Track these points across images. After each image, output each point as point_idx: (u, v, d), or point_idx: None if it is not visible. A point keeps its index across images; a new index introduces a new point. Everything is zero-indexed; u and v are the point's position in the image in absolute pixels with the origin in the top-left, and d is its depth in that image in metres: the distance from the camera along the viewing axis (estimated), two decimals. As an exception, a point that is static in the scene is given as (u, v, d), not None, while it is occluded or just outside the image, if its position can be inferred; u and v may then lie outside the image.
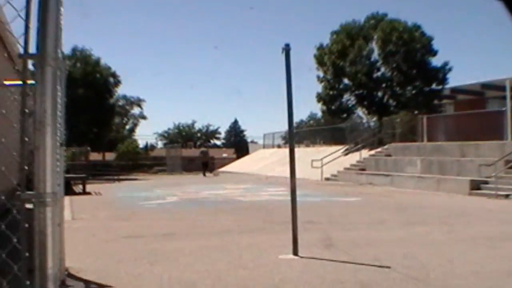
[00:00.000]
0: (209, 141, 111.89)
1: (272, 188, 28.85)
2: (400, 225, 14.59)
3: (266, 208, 19.04)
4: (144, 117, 73.52)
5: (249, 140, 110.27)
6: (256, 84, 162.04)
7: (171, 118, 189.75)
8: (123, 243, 11.71)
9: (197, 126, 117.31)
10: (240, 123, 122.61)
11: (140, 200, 22.44)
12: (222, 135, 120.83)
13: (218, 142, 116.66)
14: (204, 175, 48.41)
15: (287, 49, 10.22)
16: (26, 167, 3.04)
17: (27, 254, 3.01)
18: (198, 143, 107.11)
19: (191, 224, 14.71)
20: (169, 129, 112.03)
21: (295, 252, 9.98)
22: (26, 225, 3.02)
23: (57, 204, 3.00)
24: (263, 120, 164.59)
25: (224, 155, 75.61)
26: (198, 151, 66.59)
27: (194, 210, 18.60)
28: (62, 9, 3.06)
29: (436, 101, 43.33)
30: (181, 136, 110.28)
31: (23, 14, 3.12)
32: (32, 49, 3.04)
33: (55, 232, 3.00)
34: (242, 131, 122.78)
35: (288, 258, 9.78)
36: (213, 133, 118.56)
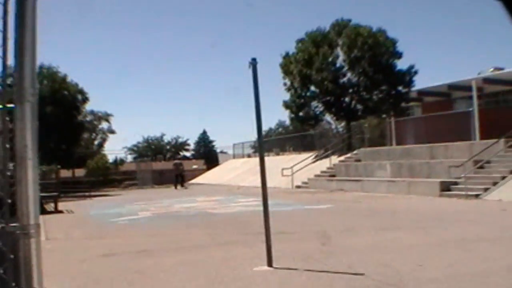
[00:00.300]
0: (179, 153, 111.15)
1: (244, 198, 28.93)
2: (373, 231, 14.77)
3: (238, 219, 19.12)
4: (112, 132, 72.91)
5: (218, 150, 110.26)
6: (222, 94, 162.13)
7: (140, 132, 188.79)
8: (99, 262, 11.75)
9: (166, 138, 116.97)
10: (208, 133, 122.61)
11: (113, 216, 22.39)
12: (192, 146, 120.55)
13: (187, 154, 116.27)
14: (176, 187, 48.26)
15: (253, 64, 10.38)
16: (9, 200, 3.13)
17: (13, 284, 3.11)
18: (168, 155, 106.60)
19: (166, 240, 14.75)
20: (138, 142, 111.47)
21: (270, 264, 10.10)
22: (12, 256, 3.11)
23: (39, 234, 3.12)
24: (232, 130, 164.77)
25: (194, 166, 75.42)
26: (168, 163, 66.51)
27: (168, 225, 18.60)
28: (37, 43, 3.15)
29: (403, 104, 43.46)
30: (151, 149, 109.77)
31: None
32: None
33: (40, 261, 3.11)
34: (211, 142, 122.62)
35: (263, 270, 9.90)
36: (183, 145, 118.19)
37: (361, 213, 19.96)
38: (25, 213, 3.08)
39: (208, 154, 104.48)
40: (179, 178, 49.96)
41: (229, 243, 13.60)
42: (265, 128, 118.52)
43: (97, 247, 13.76)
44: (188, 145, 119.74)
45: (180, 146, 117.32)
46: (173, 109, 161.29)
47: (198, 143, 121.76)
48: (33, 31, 3.12)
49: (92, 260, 12.07)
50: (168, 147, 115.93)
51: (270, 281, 9.15)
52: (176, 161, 55.60)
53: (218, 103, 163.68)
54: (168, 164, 70.45)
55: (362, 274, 9.18)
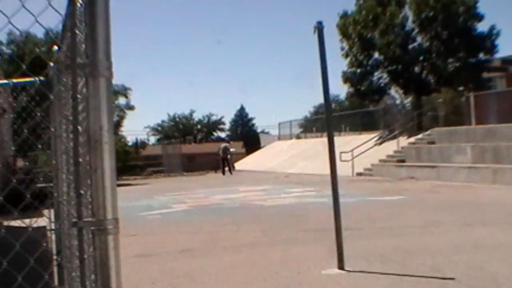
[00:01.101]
0: (212, 134, 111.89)
1: (296, 188, 29.03)
2: (457, 227, 14.74)
3: (294, 213, 19.20)
4: (131, 108, 72.73)
5: (259, 130, 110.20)
6: (263, 64, 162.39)
7: (165, 108, 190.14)
8: (134, 263, 11.89)
9: (197, 116, 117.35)
10: (247, 110, 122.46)
11: (142, 210, 22.61)
12: (227, 125, 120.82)
13: (222, 135, 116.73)
14: (223, 173, 48.87)
15: (319, 28, 10.42)
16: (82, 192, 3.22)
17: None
18: (199, 136, 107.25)
19: (210, 237, 14.88)
20: (163, 121, 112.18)
21: (341, 266, 10.14)
22: (85, 256, 3.20)
23: (118, 231, 3.20)
24: (275, 107, 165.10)
25: (232, 149, 75.85)
26: (200, 146, 66.78)
27: (210, 220, 18.77)
28: (109, 12, 3.23)
29: (484, 75, 43.23)
30: (178, 130, 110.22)
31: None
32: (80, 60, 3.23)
33: (118, 262, 3.19)
34: (250, 120, 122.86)
35: (333, 273, 9.95)
36: (216, 124, 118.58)
37: (439, 206, 19.90)
38: (102, 206, 3.14)
39: (247, 135, 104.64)
40: (225, 162, 50.35)
41: (287, 241, 13.67)
42: (315, 103, 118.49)
43: (130, 246, 13.84)
44: (223, 124, 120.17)
45: (213, 125, 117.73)
46: (204, 82, 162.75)
47: (234, 122, 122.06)
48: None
49: (126, 261, 12.20)
50: (199, 126, 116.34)
51: (344, 286, 9.20)
52: (225, 144, 55.19)
53: (258, 74, 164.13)
54: (200, 147, 70.83)
55: (452, 279, 9.19)
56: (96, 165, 3.10)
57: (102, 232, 3.10)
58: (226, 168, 50.25)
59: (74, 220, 3.17)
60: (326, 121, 11.42)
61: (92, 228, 3.11)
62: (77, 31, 3.27)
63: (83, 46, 3.23)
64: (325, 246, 10.84)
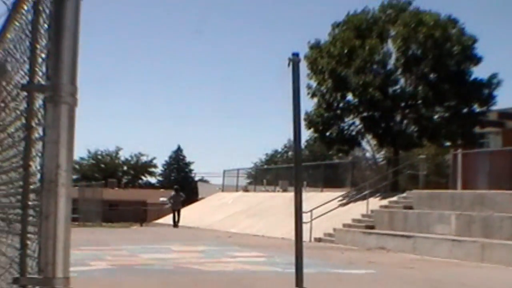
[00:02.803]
0: (141, 178, 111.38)
1: (242, 252, 28.97)
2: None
3: (240, 283, 19.16)
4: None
5: (197, 178, 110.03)
6: (205, 104, 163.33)
7: (84, 144, 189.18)
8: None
9: (123, 155, 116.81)
10: (185, 152, 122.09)
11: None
12: (159, 169, 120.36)
13: (153, 180, 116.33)
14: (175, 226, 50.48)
15: (294, 61, 10.52)
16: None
17: None
18: (124, 180, 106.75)
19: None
20: (81, 158, 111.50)
21: None
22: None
23: (69, 294, 3.19)
24: (217, 152, 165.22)
25: (162, 198, 75.58)
26: (125, 192, 66.51)
27: (136, 284, 18.68)
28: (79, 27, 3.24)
29: (477, 129, 43.65)
30: (100, 170, 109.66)
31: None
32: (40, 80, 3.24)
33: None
34: (187, 165, 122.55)
35: None
36: (146, 166, 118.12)
37: (415, 285, 20.02)
38: (51, 262, 3.12)
39: (182, 183, 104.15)
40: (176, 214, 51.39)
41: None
42: (267, 150, 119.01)
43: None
44: (155, 166, 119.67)
45: (142, 167, 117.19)
46: (135, 114, 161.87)
47: (168, 166, 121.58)
48: (76, 8, 3.19)
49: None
50: (125, 168, 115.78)
51: None
52: (176, 187, 56.26)
53: (200, 111, 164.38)
54: (124, 193, 70.58)
55: None
56: (48, 211, 3.08)
57: (49, 292, 3.08)
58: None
59: (15, 275, 3.16)
60: (295, 171, 11.48)
61: (38, 287, 3.09)
62: (38, 46, 3.28)
63: (44, 65, 3.24)
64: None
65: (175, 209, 52.45)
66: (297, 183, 11.09)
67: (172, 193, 55.34)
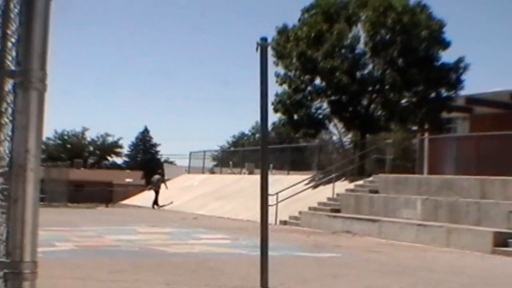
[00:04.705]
0: (107, 159, 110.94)
1: (207, 234, 28.99)
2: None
3: (206, 265, 19.15)
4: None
5: (163, 159, 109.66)
6: (174, 87, 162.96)
7: (51, 124, 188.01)
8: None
9: (89, 136, 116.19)
10: (152, 133, 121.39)
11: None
12: (125, 150, 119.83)
13: (119, 160, 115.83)
14: (153, 207, 50.92)
15: (263, 46, 10.56)
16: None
17: None
18: (91, 160, 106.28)
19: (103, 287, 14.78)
20: (48, 138, 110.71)
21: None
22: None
23: (36, 278, 3.20)
24: (183, 134, 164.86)
25: (128, 180, 75.38)
26: (91, 172, 66.25)
27: (103, 265, 18.60)
28: (50, 12, 3.24)
29: (444, 114, 43.75)
30: (66, 150, 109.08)
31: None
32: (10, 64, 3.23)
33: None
34: (153, 146, 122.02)
35: None
36: (112, 147, 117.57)
37: (382, 269, 20.04)
38: (19, 245, 3.12)
39: (148, 164, 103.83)
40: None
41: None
42: (235, 132, 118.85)
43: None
44: (121, 147, 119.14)
45: (108, 148, 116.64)
46: (102, 95, 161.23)
47: (135, 147, 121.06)
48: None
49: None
50: (91, 148, 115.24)
51: None
52: (158, 176, 56.49)
53: (168, 92, 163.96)
54: (90, 173, 70.26)
55: None
56: (16, 195, 3.07)
57: (16, 276, 3.07)
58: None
59: (-17, 260, 3.15)
60: (261, 154, 11.53)
61: (6, 271, 3.09)
62: (8, 31, 3.27)
63: (14, 50, 3.23)
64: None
65: (157, 190, 52.91)
66: (263, 165, 11.14)
67: (156, 176, 55.95)
